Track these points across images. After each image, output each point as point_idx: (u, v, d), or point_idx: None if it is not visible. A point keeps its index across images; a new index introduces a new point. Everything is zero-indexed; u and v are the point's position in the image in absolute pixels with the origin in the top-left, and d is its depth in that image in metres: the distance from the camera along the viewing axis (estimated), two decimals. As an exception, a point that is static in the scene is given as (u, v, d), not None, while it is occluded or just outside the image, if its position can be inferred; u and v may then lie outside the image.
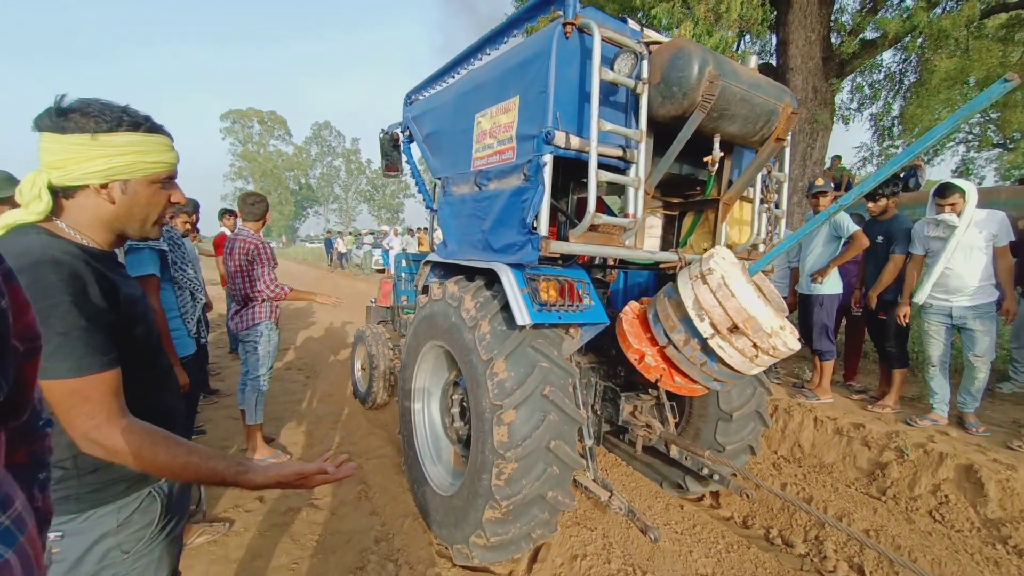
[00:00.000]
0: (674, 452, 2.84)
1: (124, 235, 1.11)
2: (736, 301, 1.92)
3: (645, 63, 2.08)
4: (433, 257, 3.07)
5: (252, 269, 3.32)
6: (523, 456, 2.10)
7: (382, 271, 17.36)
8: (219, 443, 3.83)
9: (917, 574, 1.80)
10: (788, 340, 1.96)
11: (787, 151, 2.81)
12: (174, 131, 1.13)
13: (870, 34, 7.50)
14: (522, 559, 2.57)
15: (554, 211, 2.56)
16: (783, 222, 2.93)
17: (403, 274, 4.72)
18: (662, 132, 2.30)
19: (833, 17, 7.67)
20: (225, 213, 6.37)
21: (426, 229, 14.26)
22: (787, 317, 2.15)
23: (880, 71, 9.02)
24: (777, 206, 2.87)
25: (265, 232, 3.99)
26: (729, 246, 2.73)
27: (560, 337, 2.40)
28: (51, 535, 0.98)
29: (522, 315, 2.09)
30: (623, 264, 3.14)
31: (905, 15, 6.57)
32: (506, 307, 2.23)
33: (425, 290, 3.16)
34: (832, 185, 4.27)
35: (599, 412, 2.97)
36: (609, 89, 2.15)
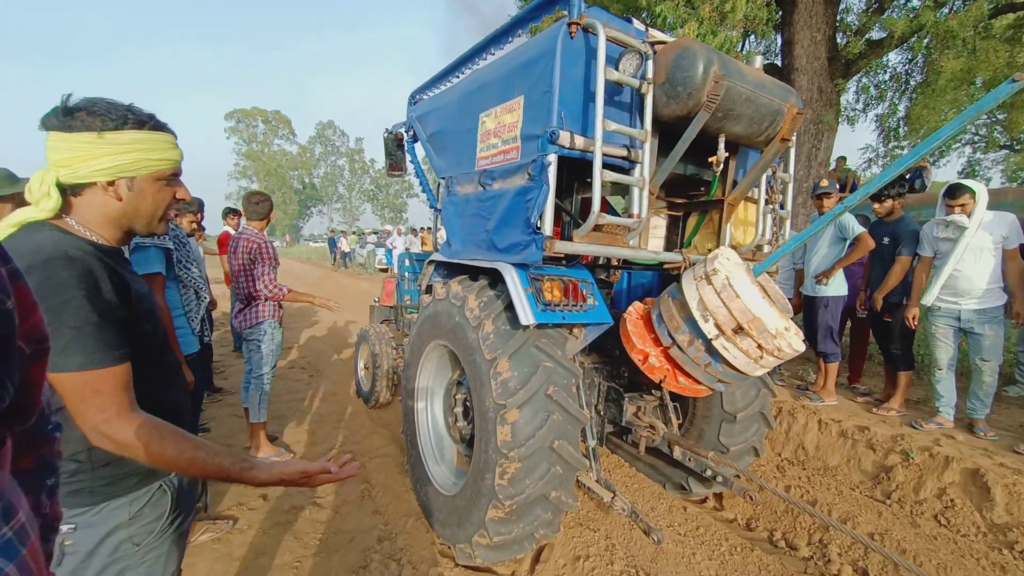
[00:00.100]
0: (677, 453, 2.83)
1: (132, 231, 1.13)
2: (741, 302, 1.91)
3: (650, 63, 2.08)
4: (437, 257, 3.07)
5: (254, 268, 3.33)
6: (526, 456, 2.10)
7: (385, 270, 17.35)
8: (223, 441, 3.85)
9: (923, 578, 1.78)
10: (793, 341, 1.95)
11: (792, 152, 2.80)
12: (179, 130, 1.15)
13: (876, 34, 7.46)
14: (525, 559, 2.56)
15: (558, 211, 2.56)
16: (788, 223, 2.92)
17: (406, 273, 4.72)
18: (667, 132, 2.30)
19: (839, 17, 7.63)
20: (229, 212, 6.40)
21: (429, 229, 14.26)
22: (792, 319, 2.14)
23: (886, 72, 8.98)
24: (782, 207, 2.86)
25: (269, 231, 3.99)
26: (733, 247, 2.72)
27: (564, 337, 2.40)
28: (64, 528, 1.00)
29: (526, 315, 2.08)
30: (627, 264, 3.13)
31: (912, 15, 6.53)
32: (510, 307, 2.22)
33: (429, 290, 3.16)
34: (837, 186, 4.25)
35: (602, 413, 2.96)
36: (614, 89, 2.14)
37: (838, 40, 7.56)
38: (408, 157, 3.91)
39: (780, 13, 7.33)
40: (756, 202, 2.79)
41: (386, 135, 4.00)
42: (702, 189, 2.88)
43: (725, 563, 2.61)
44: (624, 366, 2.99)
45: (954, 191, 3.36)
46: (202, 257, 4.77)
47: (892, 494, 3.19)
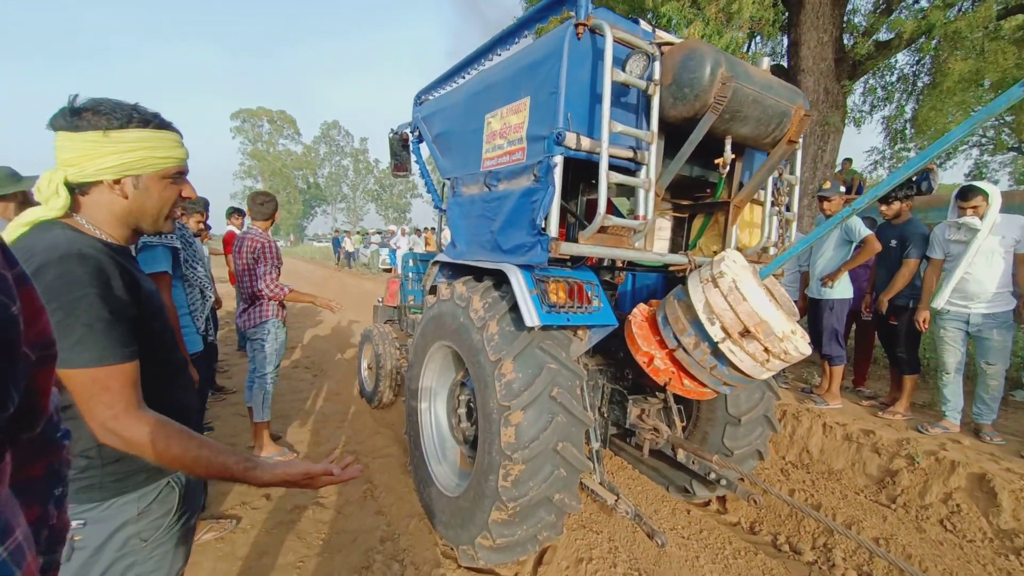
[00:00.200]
0: (681, 456, 2.82)
1: (139, 230, 1.15)
2: (748, 305, 1.90)
3: (657, 64, 2.07)
4: (442, 257, 3.07)
5: (257, 267, 3.34)
6: (530, 458, 2.10)
7: (389, 271, 17.42)
8: (227, 440, 3.86)
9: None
10: (799, 344, 1.94)
11: (798, 153, 2.79)
12: (184, 130, 1.16)
13: (883, 35, 7.42)
14: (527, 561, 2.56)
15: (563, 212, 2.56)
16: (794, 225, 2.90)
17: (410, 274, 4.73)
18: (673, 134, 2.29)
19: (845, 18, 7.60)
20: (233, 212, 6.42)
21: (433, 229, 14.29)
22: (797, 321, 2.12)
23: (893, 73, 8.92)
24: (788, 209, 2.85)
25: (274, 231, 4.01)
26: (739, 249, 2.71)
27: (568, 339, 2.39)
28: (74, 523, 1.01)
29: (531, 316, 2.08)
30: (631, 266, 3.13)
31: (920, 15, 6.49)
32: (514, 308, 2.22)
33: (433, 290, 3.16)
34: (843, 188, 4.23)
35: (606, 415, 2.95)
36: (620, 90, 2.14)
37: (845, 41, 7.52)
38: (413, 158, 3.92)
39: (786, 14, 7.31)
40: (762, 204, 2.78)
41: (391, 135, 4.00)
42: (707, 191, 2.86)
43: (729, 567, 2.60)
44: (628, 368, 2.98)
45: (966, 193, 3.32)
46: (207, 257, 4.79)
47: (897, 498, 3.17)
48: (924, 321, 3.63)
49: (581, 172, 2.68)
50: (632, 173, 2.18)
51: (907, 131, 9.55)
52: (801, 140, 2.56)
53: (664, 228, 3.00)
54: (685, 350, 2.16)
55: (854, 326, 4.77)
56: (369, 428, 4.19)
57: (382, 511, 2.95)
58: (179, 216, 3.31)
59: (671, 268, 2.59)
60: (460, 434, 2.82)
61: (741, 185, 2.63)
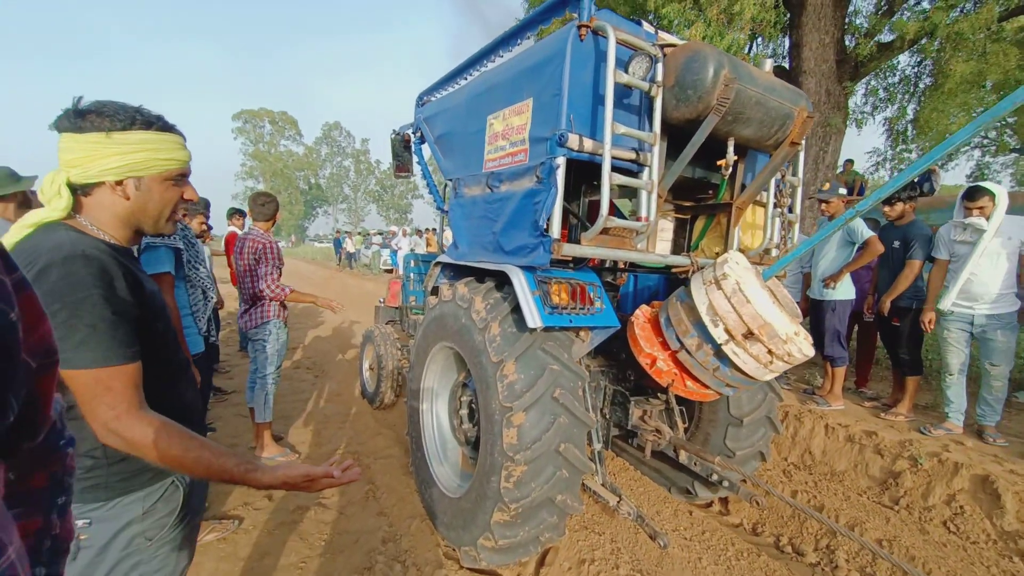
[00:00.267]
0: (683, 457, 2.81)
1: (140, 231, 1.15)
2: (751, 307, 1.90)
3: (660, 66, 2.07)
4: (443, 258, 3.07)
5: (259, 268, 3.34)
6: (532, 459, 2.10)
7: (390, 271, 17.45)
8: (228, 440, 3.86)
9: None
10: (803, 346, 1.94)
11: (801, 155, 2.78)
12: (186, 131, 1.17)
13: (885, 37, 7.41)
14: (529, 563, 2.56)
15: (565, 213, 2.56)
16: (796, 227, 2.90)
17: (412, 275, 4.73)
18: (675, 135, 2.29)
19: (847, 20, 7.59)
20: (234, 213, 6.43)
21: (434, 230, 14.29)
22: (800, 323, 2.12)
23: (895, 74, 8.92)
24: (791, 210, 2.85)
25: (275, 231, 4.03)
26: (741, 250, 2.71)
27: (570, 340, 2.39)
28: (79, 522, 1.02)
29: (533, 318, 2.08)
30: (633, 267, 3.12)
31: (923, 17, 6.48)
32: (516, 309, 2.22)
33: (435, 291, 3.16)
34: (843, 190, 4.22)
35: (608, 416, 2.95)
36: (623, 92, 2.14)
37: (847, 43, 7.51)
38: (415, 158, 3.92)
39: (788, 16, 7.30)
40: (764, 206, 2.77)
41: (393, 136, 4.01)
42: (710, 192, 2.86)
43: (731, 568, 2.60)
44: (630, 369, 2.98)
45: (973, 193, 3.31)
46: (209, 258, 4.80)
47: (900, 500, 3.16)
48: (930, 322, 3.61)
49: (583, 173, 2.68)
50: (635, 175, 2.18)
51: (909, 132, 9.54)
52: (803, 141, 2.56)
53: (666, 229, 3.00)
54: (688, 352, 2.16)
55: (856, 327, 4.77)
56: (371, 429, 4.19)
57: (384, 512, 2.95)
58: (182, 217, 3.32)
59: (673, 270, 2.59)
60: (462, 435, 2.81)
61: (743, 187, 2.63)
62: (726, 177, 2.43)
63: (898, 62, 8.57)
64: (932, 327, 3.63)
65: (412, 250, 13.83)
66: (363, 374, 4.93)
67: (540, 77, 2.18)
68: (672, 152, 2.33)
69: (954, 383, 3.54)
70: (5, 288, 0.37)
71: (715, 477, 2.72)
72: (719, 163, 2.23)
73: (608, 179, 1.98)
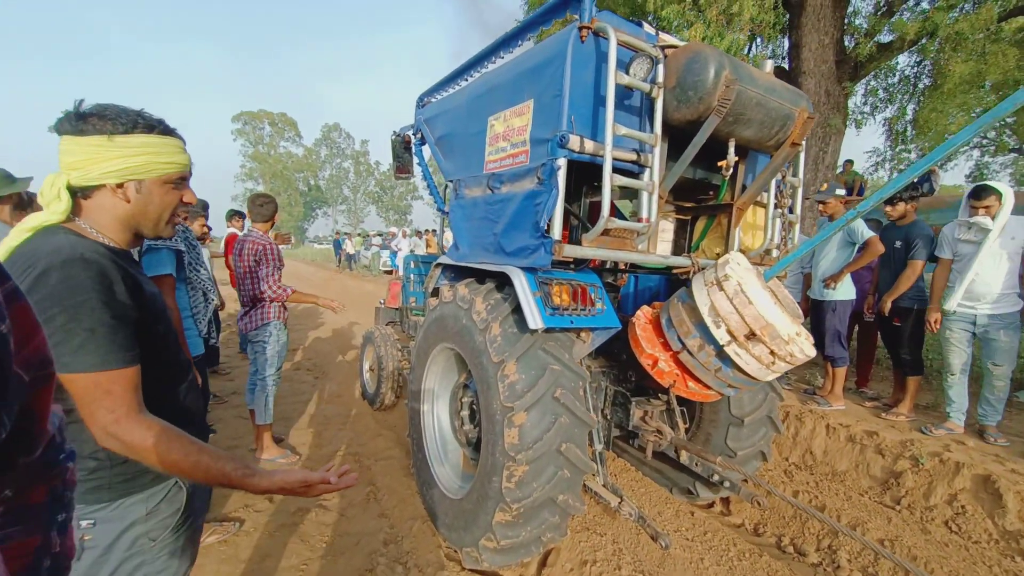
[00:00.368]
0: (684, 458, 2.81)
1: (140, 233, 1.16)
2: (754, 308, 1.90)
3: (660, 67, 2.08)
4: (444, 260, 3.07)
5: (259, 270, 3.34)
6: (534, 459, 2.10)
7: (390, 272, 17.44)
8: (229, 443, 3.86)
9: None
10: (805, 347, 1.94)
11: (801, 155, 2.79)
12: (186, 133, 1.18)
13: (885, 37, 7.42)
14: (531, 564, 2.55)
15: (566, 215, 2.56)
16: (797, 227, 2.90)
17: (412, 276, 4.73)
18: (676, 136, 2.29)
19: (846, 20, 7.60)
20: (234, 215, 6.44)
21: (434, 231, 14.23)
22: (801, 323, 2.12)
23: (895, 75, 8.93)
24: (791, 211, 2.85)
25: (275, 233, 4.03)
26: (742, 251, 2.71)
27: (571, 340, 2.39)
28: (83, 523, 1.03)
29: (534, 319, 2.08)
30: (634, 268, 3.13)
31: (922, 17, 6.49)
32: (517, 309, 2.22)
33: (435, 293, 3.16)
34: (841, 191, 4.22)
35: (609, 417, 2.95)
36: (624, 93, 2.14)
37: (846, 43, 7.53)
38: (415, 160, 3.92)
39: (787, 16, 7.32)
40: (765, 206, 2.78)
41: (393, 137, 4.01)
42: (710, 193, 2.87)
43: (733, 569, 2.59)
44: (631, 370, 2.98)
45: (980, 192, 3.30)
46: (208, 259, 4.80)
47: (902, 500, 3.16)
48: (935, 322, 3.59)
49: (584, 174, 2.68)
50: (635, 176, 2.18)
51: (908, 133, 9.56)
52: (804, 142, 2.57)
53: (667, 230, 3.00)
54: (690, 352, 2.16)
55: (856, 327, 4.77)
56: (371, 430, 4.19)
57: (385, 514, 2.95)
58: (183, 220, 3.32)
59: (674, 270, 2.59)
60: (463, 436, 2.81)
61: (744, 187, 2.63)
62: (727, 178, 2.43)
63: (897, 62, 8.58)
64: (937, 327, 3.61)
65: (412, 251, 13.82)
66: (363, 375, 4.93)
67: (541, 78, 2.18)
68: (673, 153, 2.33)
69: (956, 383, 3.54)
70: None
71: (716, 477, 2.72)
72: (720, 164, 2.23)
73: (609, 180, 1.98)
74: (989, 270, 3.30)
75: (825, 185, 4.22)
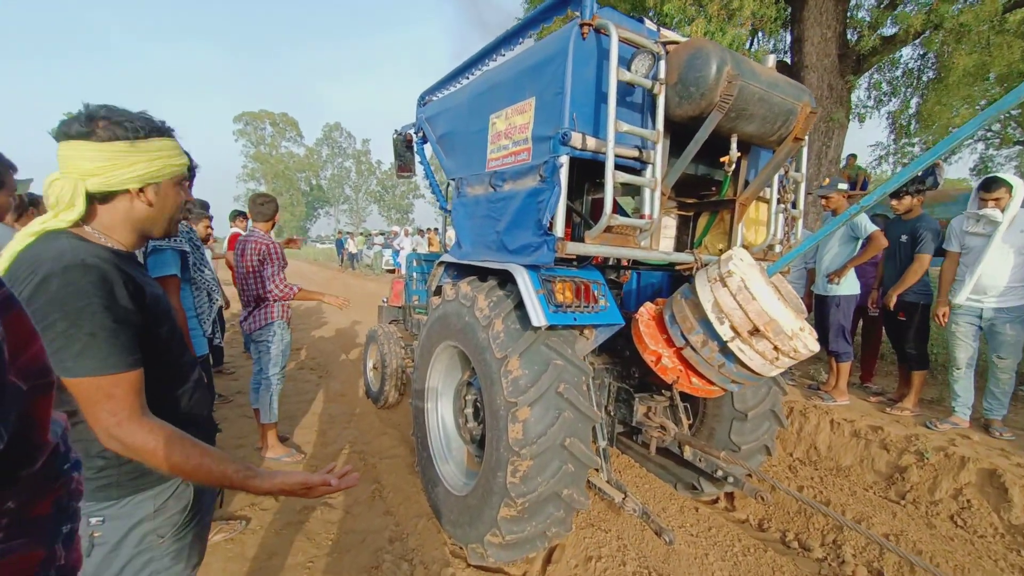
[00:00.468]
0: (688, 453, 2.82)
1: (149, 235, 1.18)
2: (757, 304, 1.90)
3: (662, 63, 2.07)
4: (447, 258, 3.08)
5: (263, 270, 3.36)
6: (538, 453, 2.10)
7: (392, 271, 17.47)
8: (234, 442, 3.88)
9: (941, 581, 1.76)
10: (808, 342, 1.94)
11: (804, 150, 2.78)
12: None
13: (888, 30, 7.37)
14: (536, 560, 2.56)
15: (569, 212, 2.56)
16: (800, 222, 2.90)
17: (414, 274, 4.74)
18: (678, 132, 2.29)
19: (849, 13, 7.56)
20: (237, 215, 6.47)
21: (436, 230, 14.22)
22: (805, 318, 2.12)
23: (898, 68, 8.88)
24: (794, 206, 2.84)
25: (276, 232, 4.05)
26: (745, 247, 2.71)
27: (574, 336, 2.40)
28: (92, 520, 1.05)
29: (538, 316, 2.08)
30: (636, 264, 3.13)
31: (926, 9, 6.44)
32: (519, 306, 2.23)
33: (438, 291, 3.17)
34: (843, 185, 4.21)
35: (612, 413, 2.96)
36: (626, 90, 2.14)
37: (848, 37, 7.48)
38: (417, 158, 3.92)
39: (789, 10, 7.27)
40: (768, 202, 2.77)
41: (395, 136, 4.01)
42: (713, 189, 2.86)
43: (738, 564, 2.60)
44: (634, 366, 2.98)
45: (990, 184, 3.28)
46: (210, 260, 4.81)
47: (907, 495, 3.16)
48: (944, 315, 3.57)
49: (586, 172, 2.68)
50: (638, 172, 2.18)
51: (912, 126, 9.51)
52: (806, 137, 2.56)
53: (669, 227, 3.00)
54: (693, 348, 2.16)
55: (861, 322, 4.76)
56: (375, 428, 4.20)
57: (390, 511, 2.97)
58: (186, 219, 3.34)
59: (677, 267, 2.59)
60: (467, 434, 2.82)
61: (747, 183, 2.62)
62: (729, 174, 2.43)
63: (901, 55, 8.53)
64: (946, 320, 3.59)
65: (414, 250, 13.82)
66: (367, 374, 4.95)
67: (543, 76, 2.18)
68: (675, 149, 2.33)
69: (961, 377, 3.53)
70: None
71: (720, 473, 2.72)
72: (722, 160, 2.23)
73: (611, 177, 1.98)
74: (996, 263, 3.28)
75: (827, 180, 4.21)
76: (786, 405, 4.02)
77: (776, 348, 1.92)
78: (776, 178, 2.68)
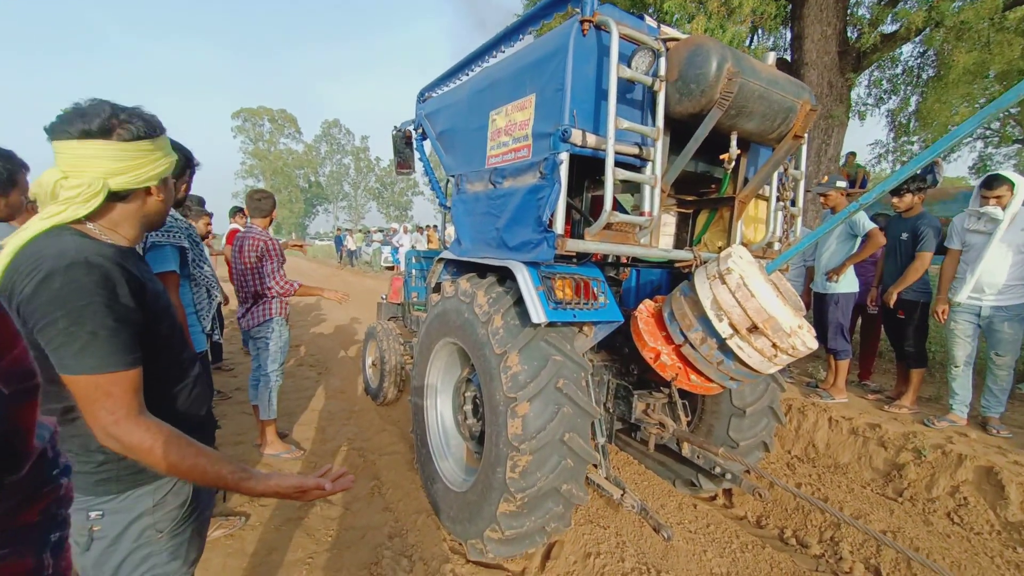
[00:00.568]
0: (686, 450, 2.83)
1: (152, 228, 1.22)
2: (756, 301, 1.91)
3: (663, 60, 2.07)
4: (446, 255, 3.07)
5: (262, 266, 3.35)
6: (537, 448, 2.11)
7: (391, 268, 17.46)
8: (233, 438, 3.88)
9: (938, 574, 1.78)
10: (807, 340, 1.95)
11: (803, 148, 2.78)
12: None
13: (888, 27, 7.37)
14: (535, 556, 2.57)
15: (568, 209, 2.56)
16: (799, 220, 2.90)
17: (413, 271, 4.74)
18: (678, 129, 2.29)
19: (849, 10, 7.55)
20: (237, 211, 6.47)
21: (435, 226, 14.24)
22: (803, 316, 2.13)
23: (898, 65, 8.87)
24: (793, 204, 2.84)
25: (275, 229, 4.05)
26: (744, 244, 2.71)
27: (573, 332, 2.40)
28: (92, 514, 1.06)
29: (537, 313, 2.09)
30: (635, 262, 3.13)
31: (927, 6, 6.43)
32: (519, 302, 2.23)
33: (437, 288, 3.17)
34: (842, 183, 4.21)
35: (611, 410, 2.96)
36: (626, 86, 2.14)
37: (849, 34, 7.47)
38: (417, 155, 3.92)
39: (789, 7, 7.26)
40: (767, 199, 2.77)
41: (395, 133, 4.00)
42: (712, 186, 2.86)
43: (736, 560, 2.61)
44: (633, 363, 2.99)
45: (992, 182, 3.28)
46: (208, 256, 4.81)
47: (904, 492, 3.18)
48: (943, 313, 3.57)
49: (586, 168, 2.68)
50: (638, 169, 2.18)
51: (911, 124, 9.51)
52: (806, 134, 2.56)
53: (668, 224, 3.00)
54: (692, 346, 2.17)
55: (860, 320, 4.77)
56: (375, 425, 4.21)
57: (390, 507, 2.97)
58: (186, 215, 3.33)
59: (676, 264, 2.59)
60: (466, 430, 2.83)
61: (746, 180, 2.62)
62: (729, 171, 2.43)
63: (901, 53, 8.52)
64: (945, 318, 3.59)
65: (414, 247, 13.83)
66: (366, 371, 4.95)
67: (543, 72, 2.17)
68: (675, 147, 2.32)
69: (960, 375, 3.54)
70: None
71: (718, 470, 2.73)
72: (722, 157, 2.23)
73: (611, 174, 1.98)
74: (996, 261, 3.29)
75: (827, 177, 4.21)
76: (784, 402, 4.03)
77: (775, 345, 1.93)
78: (775, 176, 2.68)
